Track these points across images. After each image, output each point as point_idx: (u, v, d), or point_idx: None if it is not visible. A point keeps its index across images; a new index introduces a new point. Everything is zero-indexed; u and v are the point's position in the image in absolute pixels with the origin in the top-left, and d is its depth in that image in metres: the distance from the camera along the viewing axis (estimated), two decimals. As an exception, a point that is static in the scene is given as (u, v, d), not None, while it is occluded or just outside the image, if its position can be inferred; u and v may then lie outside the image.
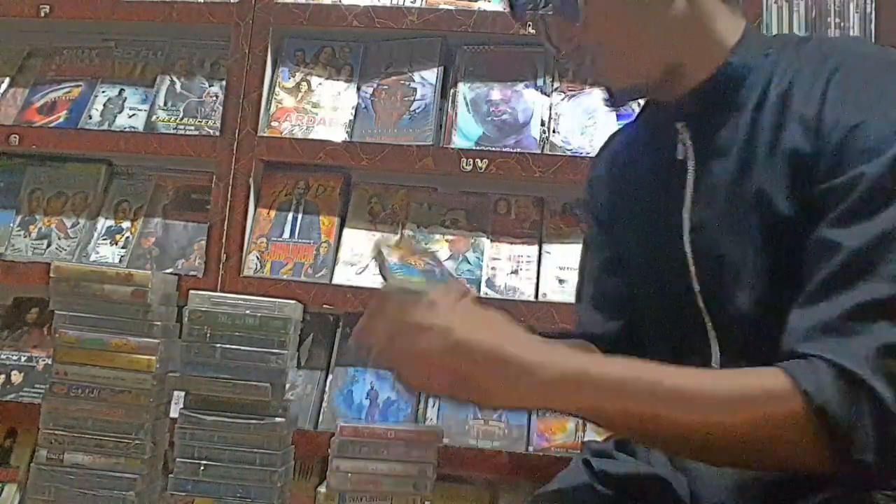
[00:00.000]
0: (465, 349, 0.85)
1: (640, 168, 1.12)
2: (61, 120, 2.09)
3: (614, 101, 1.06)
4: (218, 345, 1.15)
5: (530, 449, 1.80)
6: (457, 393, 0.89)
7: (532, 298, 1.85)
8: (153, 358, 1.16)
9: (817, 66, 0.97)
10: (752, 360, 0.88)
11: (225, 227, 1.93)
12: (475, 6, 1.96)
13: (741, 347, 0.99)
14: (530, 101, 1.96)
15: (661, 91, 1.04)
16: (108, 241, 2.03)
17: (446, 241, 1.93)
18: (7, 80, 2.17)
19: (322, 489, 1.16)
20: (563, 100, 1.95)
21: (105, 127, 2.06)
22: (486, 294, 1.85)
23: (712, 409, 0.83)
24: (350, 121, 1.99)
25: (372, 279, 1.90)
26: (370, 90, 2.03)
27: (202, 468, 1.14)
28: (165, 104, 2.07)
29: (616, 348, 1.07)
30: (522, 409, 1.67)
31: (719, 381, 0.87)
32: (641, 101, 1.16)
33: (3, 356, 1.98)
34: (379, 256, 0.99)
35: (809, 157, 0.92)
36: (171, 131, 2.03)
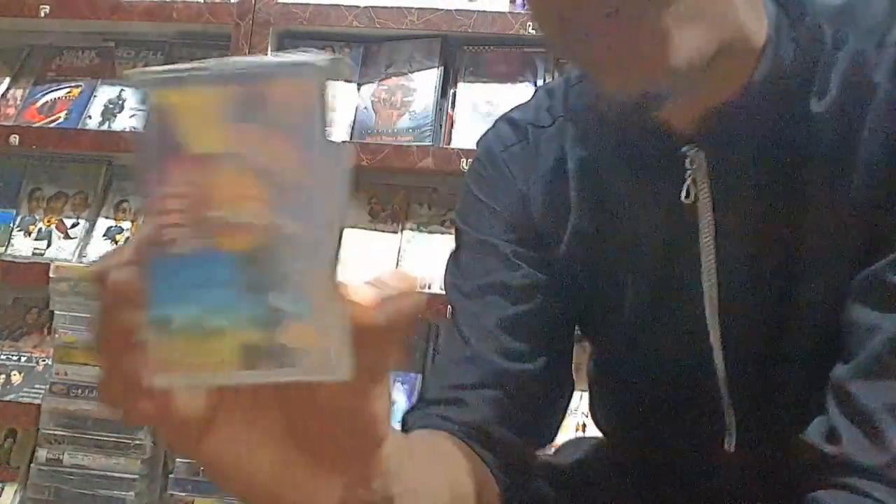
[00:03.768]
0: None
1: (617, 201, 0.79)
2: (61, 120, 2.08)
3: (644, 106, 0.67)
4: (218, 345, 1.15)
5: (530, 449, 1.79)
6: None
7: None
8: (153, 358, 1.16)
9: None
10: (774, 449, 0.75)
11: (225, 227, 1.93)
12: (475, 6, 1.96)
13: (767, 435, 0.78)
14: (530, 101, 1.95)
15: (675, 100, 0.67)
16: (109, 241, 2.03)
17: (447, 241, 1.93)
18: (7, 80, 2.16)
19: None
20: (563, 100, 1.95)
21: (105, 127, 2.05)
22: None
23: None
24: (350, 121, 1.99)
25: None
26: (370, 90, 2.02)
27: (202, 468, 1.14)
28: (165, 104, 2.07)
29: (536, 393, 0.80)
30: None
31: None
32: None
33: (3, 356, 1.97)
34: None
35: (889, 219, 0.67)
36: (171, 131, 2.03)
